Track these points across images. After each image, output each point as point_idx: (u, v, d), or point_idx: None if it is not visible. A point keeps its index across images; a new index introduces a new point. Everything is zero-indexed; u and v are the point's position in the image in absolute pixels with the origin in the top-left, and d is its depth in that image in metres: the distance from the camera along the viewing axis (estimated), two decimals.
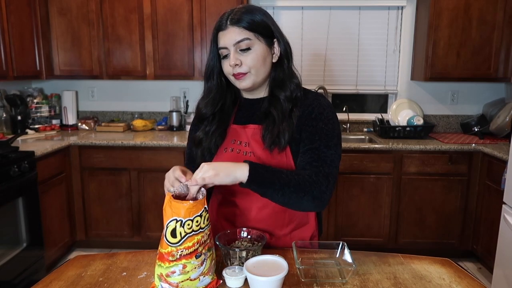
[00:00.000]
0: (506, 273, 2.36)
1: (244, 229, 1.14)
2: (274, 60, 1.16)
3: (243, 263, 0.97)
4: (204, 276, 0.94)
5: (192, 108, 3.53)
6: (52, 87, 3.61)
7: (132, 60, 3.23)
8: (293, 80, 1.17)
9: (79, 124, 3.51)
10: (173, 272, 0.91)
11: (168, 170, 1.13)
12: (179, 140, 3.04)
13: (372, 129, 3.49)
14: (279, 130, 1.12)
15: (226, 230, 1.14)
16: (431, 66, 3.11)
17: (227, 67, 1.12)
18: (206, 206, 0.95)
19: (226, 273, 0.97)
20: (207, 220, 0.95)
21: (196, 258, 0.91)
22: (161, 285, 0.93)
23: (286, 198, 1.02)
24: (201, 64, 3.21)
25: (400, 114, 3.40)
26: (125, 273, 1.04)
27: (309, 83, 3.36)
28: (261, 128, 1.16)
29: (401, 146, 2.93)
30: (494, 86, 3.42)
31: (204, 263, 0.93)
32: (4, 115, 3.13)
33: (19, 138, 3.00)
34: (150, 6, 3.13)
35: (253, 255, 1.01)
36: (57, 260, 2.96)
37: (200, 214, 0.92)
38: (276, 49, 1.15)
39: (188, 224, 0.91)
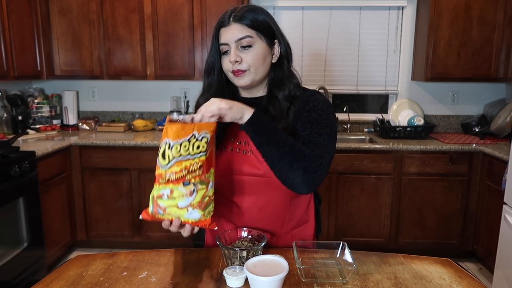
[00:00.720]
0: (506, 273, 2.36)
1: (244, 229, 1.14)
2: (273, 61, 1.16)
3: (243, 263, 0.97)
4: (193, 209, 0.94)
5: (192, 107, 3.53)
6: (53, 87, 3.61)
7: (133, 60, 3.24)
8: (292, 80, 1.18)
9: (80, 124, 3.51)
10: (162, 195, 0.93)
11: None
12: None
13: (372, 129, 3.49)
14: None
15: (227, 230, 1.14)
16: (431, 66, 3.11)
17: (227, 64, 1.12)
18: (196, 133, 0.93)
19: (226, 273, 0.97)
20: (197, 148, 0.93)
21: (184, 186, 0.92)
22: (152, 207, 0.96)
23: (277, 157, 1.01)
24: (202, 64, 3.21)
25: (400, 114, 3.40)
26: (125, 273, 1.04)
27: (310, 83, 3.36)
28: None
29: (402, 146, 2.93)
30: (495, 86, 3.42)
31: (194, 194, 0.93)
32: (5, 115, 3.14)
33: (20, 138, 3.00)
34: (151, 6, 3.14)
35: (254, 255, 1.01)
36: (58, 260, 2.96)
37: (189, 139, 0.91)
38: (276, 49, 1.16)
39: (176, 148, 0.91)
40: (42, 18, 3.13)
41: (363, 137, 3.38)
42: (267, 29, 1.12)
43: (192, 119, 0.96)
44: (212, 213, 0.98)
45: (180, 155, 0.91)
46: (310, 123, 1.09)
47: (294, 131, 1.13)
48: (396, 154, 2.95)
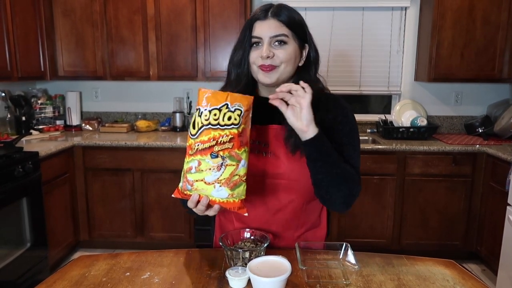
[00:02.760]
0: (510, 275, 2.34)
1: (247, 229, 1.14)
2: (300, 64, 1.15)
3: (246, 264, 0.97)
4: (220, 186, 0.90)
5: (194, 108, 3.53)
6: (56, 87, 3.63)
7: (136, 61, 3.24)
8: (317, 84, 1.15)
9: (83, 124, 3.52)
10: (190, 169, 0.90)
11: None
12: (182, 141, 3.05)
13: (375, 130, 3.48)
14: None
15: (229, 230, 1.14)
16: (435, 67, 3.10)
17: (255, 57, 1.10)
18: (229, 103, 0.89)
19: (229, 273, 0.97)
20: (228, 120, 0.89)
21: (212, 158, 0.89)
22: (181, 183, 0.93)
23: (329, 178, 1.04)
24: (205, 65, 3.22)
25: (403, 115, 3.40)
26: (128, 273, 1.04)
27: None
28: (284, 129, 1.11)
29: (405, 147, 2.92)
30: (499, 87, 3.41)
31: (222, 169, 0.90)
32: (9, 115, 3.15)
33: (23, 139, 3.01)
34: (154, 7, 3.14)
35: (256, 256, 1.01)
36: (61, 260, 2.97)
37: (220, 107, 0.88)
38: (304, 53, 1.15)
39: (205, 115, 0.88)
40: (46, 20, 3.14)
41: (366, 137, 3.37)
42: (301, 30, 1.12)
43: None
44: (243, 197, 0.94)
45: (209, 123, 0.88)
46: (347, 138, 1.11)
47: None
48: (399, 155, 2.95)
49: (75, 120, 3.53)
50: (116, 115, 3.70)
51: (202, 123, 0.88)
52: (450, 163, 2.92)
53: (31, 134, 3.18)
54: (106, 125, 3.49)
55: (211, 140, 0.88)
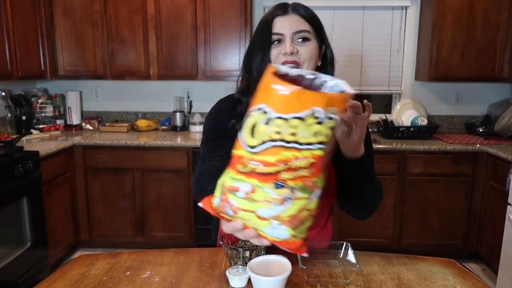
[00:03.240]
0: (510, 274, 2.34)
1: None
2: (318, 64, 1.10)
3: (246, 263, 0.97)
4: (279, 224, 0.65)
5: (196, 108, 3.53)
6: (57, 87, 3.63)
7: (136, 60, 3.24)
8: None
9: (83, 124, 3.52)
10: (236, 190, 0.64)
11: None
12: (182, 140, 3.04)
13: (376, 130, 3.48)
14: None
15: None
16: (435, 67, 3.10)
17: (276, 54, 1.04)
18: (320, 109, 0.56)
19: (229, 273, 0.97)
20: (313, 136, 0.58)
21: (275, 188, 0.61)
22: (218, 199, 0.68)
23: (365, 192, 1.04)
24: (205, 65, 3.22)
25: (404, 115, 3.39)
26: (128, 273, 1.04)
27: None
28: None
29: (405, 146, 2.92)
30: (499, 86, 3.41)
31: (287, 203, 0.62)
32: (9, 115, 3.15)
33: (23, 138, 3.01)
34: (154, 7, 3.14)
35: (257, 255, 1.01)
36: (61, 260, 2.97)
37: (303, 116, 0.56)
38: (321, 53, 1.11)
39: (278, 126, 0.57)
40: (46, 19, 3.14)
41: None
42: (320, 28, 1.09)
43: (316, 84, 0.61)
44: (306, 233, 0.70)
45: (282, 139, 0.58)
46: (366, 147, 1.02)
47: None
48: (400, 155, 2.94)
49: (75, 119, 3.53)
50: (116, 114, 3.70)
51: (269, 136, 0.59)
52: (450, 163, 2.92)
53: (31, 133, 3.18)
54: (106, 124, 3.49)
55: (279, 164, 0.59)
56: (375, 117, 3.53)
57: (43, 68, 3.17)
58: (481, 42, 3.04)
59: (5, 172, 2.28)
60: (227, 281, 0.97)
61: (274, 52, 1.05)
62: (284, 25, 1.04)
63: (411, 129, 3.18)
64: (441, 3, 3.01)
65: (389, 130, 3.21)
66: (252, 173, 0.61)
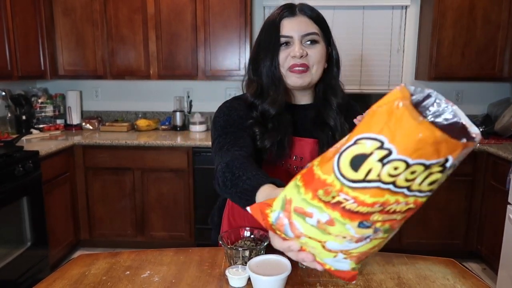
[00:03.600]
0: (511, 274, 2.34)
1: (247, 228, 1.14)
2: (325, 66, 1.08)
3: (246, 263, 0.97)
4: (345, 258, 0.60)
5: (196, 107, 3.53)
6: (57, 87, 3.63)
7: (136, 60, 3.24)
8: (341, 88, 1.12)
9: (83, 124, 3.52)
10: (307, 215, 0.55)
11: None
12: (182, 140, 3.04)
13: None
14: None
15: (229, 229, 1.14)
16: (435, 66, 3.10)
17: (284, 57, 1.02)
18: (452, 158, 0.48)
19: (229, 272, 0.97)
20: (429, 185, 0.51)
21: (358, 227, 0.54)
22: (277, 215, 0.60)
23: None
24: (205, 64, 3.22)
25: None
26: (128, 272, 1.04)
27: None
28: (317, 143, 1.04)
29: None
30: (499, 86, 3.40)
31: (363, 242, 0.57)
32: (9, 115, 3.15)
33: (23, 138, 3.01)
34: (154, 7, 3.14)
35: (256, 255, 1.01)
36: (61, 259, 2.97)
37: (430, 164, 0.47)
38: (327, 55, 1.08)
39: (395, 169, 0.47)
40: (46, 19, 3.14)
41: None
42: (327, 30, 1.07)
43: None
44: (362, 262, 0.64)
45: (392, 183, 0.49)
46: None
47: None
48: None
49: (75, 119, 3.53)
50: (116, 114, 3.70)
51: (379, 176, 0.48)
52: None
53: (31, 133, 3.18)
54: (106, 124, 3.49)
55: (376, 205, 0.51)
56: None
57: (43, 68, 3.17)
58: (482, 41, 3.04)
59: (5, 172, 2.28)
60: (226, 281, 0.97)
61: (283, 54, 1.02)
62: (292, 27, 1.01)
63: None
64: (441, 2, 3.01)
65: None
66: (336, 206, 0.52)
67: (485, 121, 3.29)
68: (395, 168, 0.47)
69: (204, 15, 3.14)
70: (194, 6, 3.13)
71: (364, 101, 3.65)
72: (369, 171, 0.48)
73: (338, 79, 1.12)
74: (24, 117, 3.18)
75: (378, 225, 0.53)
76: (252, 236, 1.12)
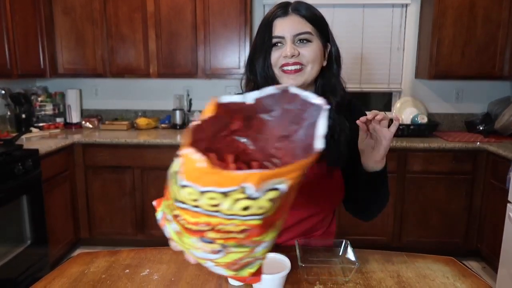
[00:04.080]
0: (511, 272, 2.34)
1: None
2: (323, 64, 1.08)
3: None
4: (216, 265, 0.61)
5: (196, 106, 3.53)
6: (56, 85, 3.62)
7: (136, 58, 3.24)
8: (341, 86, 1.12)
9: (83, 122, 3.52)
10: (169, 221, 0.60)
11: None
12: (182, 138, 3.04)
13: None
14: (339, 146, 1.03)
15: None
16: (435, 64, 3.09)
17: (277, 57, 1.02)
18: (251, 186, 0.47)
19: None
20: (244, 210, 0.49)
21: (202, 242, 0.55)
22: (161, 215, 0.64)
23: (380, 197, 1.05)
24: (205, 63, 3.21)
25: (404, 112, 3.39)
26: (127, 271, 1.04)
27: None
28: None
29: (405, 144, 2.91)
30: (499, 84, 3.40)
31: (219, 254, 0.57)
32: (9, 113, 3.15)
33: (23, 136, 3.01)
34: (154, 5, 3.14)
35: None
36: (61, 257, 2.97)
37: (226, 191, 0.47)
38: (326, 53, 1.08)
39: (191, 195, 0.50)
40: (46, 18, 3.14)
41: None
42: (323, 27, 1.06)
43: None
44: (254, 270, 0.64)
45: (197, 206, 0.51)
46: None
47: (349, 145, 1.04)
48: (400, 153, 2.94)
49: (75, 117, 3.53)
50: (116, 112, 3.69)
51: (183, 200, 0.52)
52: (450, 161, 2.92)
53: (31, 131, 3.18)
54: (106, 122, 3.49)
55: (200, 225, 0.52)
56: None
57: (42, 67, 3.16)
58: (482, 40, 3.04)
59: (5, 171, 2.28)
60: (226, 279, 0.97)
61: (275, 54, 1.02)
62: (284, 28, 1.01)
63: (411, 127, 3.17)
64: (442, 1, 3.00)
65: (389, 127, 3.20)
66: (177, 220, 0.55)
67: (485, 120, 3.29)
68: (190, 193, 0.50)
69: (204, 14, 3.14)
70: (194, 5, 3.13)
71: (364, 99, 3.65)
72: (175, 193, 0.53)
73: (339, 77, 1.12)
74: (23, 116, 3.17)
75: (220, 241, 0.54)
76: None
